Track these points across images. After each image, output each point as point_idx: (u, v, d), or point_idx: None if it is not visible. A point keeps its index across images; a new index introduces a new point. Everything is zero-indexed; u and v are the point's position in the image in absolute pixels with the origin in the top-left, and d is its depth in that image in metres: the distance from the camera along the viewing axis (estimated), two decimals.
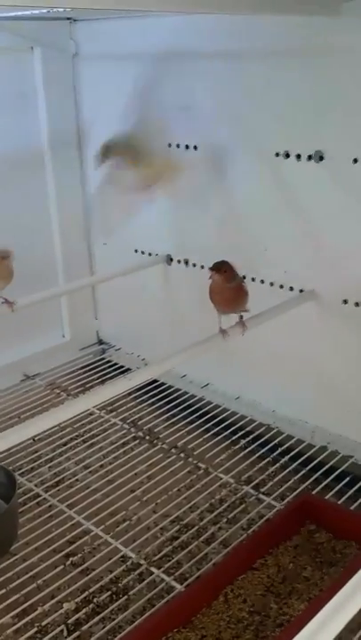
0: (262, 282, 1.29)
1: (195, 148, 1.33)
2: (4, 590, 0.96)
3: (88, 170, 1.57)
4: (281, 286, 1.27)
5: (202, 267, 1.39)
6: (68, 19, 1.46)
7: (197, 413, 1.39)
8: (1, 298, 1.20)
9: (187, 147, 1.34)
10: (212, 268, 1.04)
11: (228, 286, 1.05)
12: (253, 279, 1.30)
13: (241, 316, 1.10)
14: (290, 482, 1.17)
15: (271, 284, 1.28)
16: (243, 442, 1.29)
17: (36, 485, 1.20)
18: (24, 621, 0.92)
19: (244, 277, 1.30)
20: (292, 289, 1.25)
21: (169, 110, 1.35)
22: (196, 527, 1.09)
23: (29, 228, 1.50)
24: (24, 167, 1.48)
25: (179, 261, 1.45)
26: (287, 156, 1.18)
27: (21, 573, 1.00)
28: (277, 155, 1.19)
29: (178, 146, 1.36)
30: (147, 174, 1.26)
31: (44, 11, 1.26)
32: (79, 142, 1.55)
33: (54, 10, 1.26)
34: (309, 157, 1.14)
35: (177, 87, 1.32)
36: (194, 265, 1.42)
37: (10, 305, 1.20)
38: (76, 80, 1.51)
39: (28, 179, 1.50)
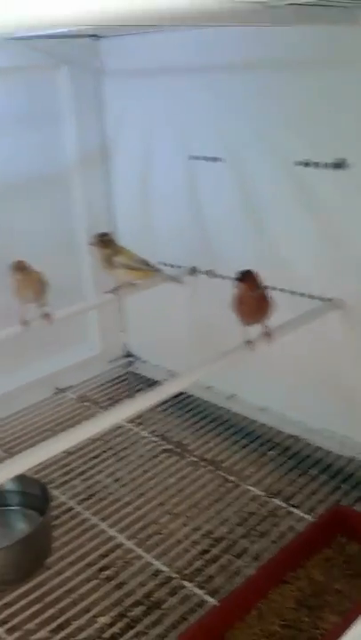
0: (287, 291, 1.29)
1: (218, 159, 1.34)
2: (40, 604, 0.98)
3: (114, 185, 1.59)
4: (306, 295, 1.26)
5: (227, 277, 1.40)
6: (93, 36, 1.48)
7: (224, 425, 1.40)
8: (44, 308, 1.21)
9: (210, 158, 1.36)
10: (236, 278, 1.05)
11: (252, 295, 1.05)
12: (278, 289, 1.30)
13: (266, 327, 1.11)
14: (320, 494, 1.17)
15: (296, 294, 1.28)
16: (271, 453, 1.29)
17: (69, 498, 1.21)
18: (60, 636, 0.94)
19: (267, 287, 1.31)
20: (317, 298, 1.25)
21: (191, 123, 1.37)
22: (227, 540, 1.10)
23: (58, 242, 1.52)
24: (52, 183, 1.51)
25: (204, 273, 1.46)
26: (308, 164, 1.18)
27: (56, 587, 1.01)
28: (298, 163, 1.19)
29: (202, 158, 1.37)
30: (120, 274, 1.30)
31: (71, 29, 1.28)
32: (105, 158, 1.57)
33: (79, 27, 1.28)
34: (331, 165, 1.14)
35: (199, 99, 1.33)
36: (219, 276, 1.43)
37: (48, 318, 1.21)
38: (101, 96, 1.53)
39: (56, 194, 1.53)
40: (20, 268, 1.17)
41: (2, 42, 1.32)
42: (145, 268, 1.30)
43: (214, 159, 1.35)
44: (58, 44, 1.44)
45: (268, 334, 1.10)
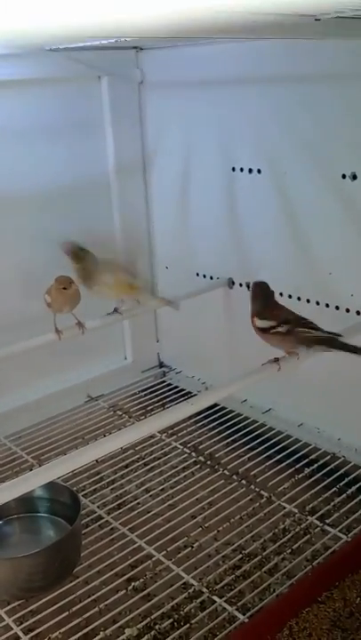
0: (327, 305, 1.27)
1: (258, 171, 1.33)
2: (66, 613, 0.96)
3: (152, 196, 1.59)
4: (347, 310, 1.24)
5: None
6: (135, 47, 1.49)
7: (259, 439, 1.37)
8: (75, 319, 1.23)
9: (250, 170, 1.35)
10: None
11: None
12: (318, 303, 1.28)
13: None
14: (357, 513, 1.13)
15: (337, 308, 1.26)
16: (307, 470, 1.26)
17: (98, 507, 1.20)
18: None
19: (307, 301, 1.29)
20: (358, 313, 1.22)
21: (233, 135, 1.36)
22: (259, 557, 1.07)
23: (95, 252, 1.52)
24: (90, 192, 1.51)
25: (241, 285, 1.44)
26: (354, 177, 1.16)
27: (84, 597, 0.99)
28: (344, 177, 1.18)
29: (242, 170, 1.36)
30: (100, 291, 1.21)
31: (112, 40, 1.29)
32: (144, 168, 1.57)
33: (121, 39, 1.29)
34: None
35: (241, 111, 1.33)
36: None
37: (81, 327, 1.22)
38: (142, 107, 1.54)
39: (95, 203, 1.53)
40: (68, 283, 1.16)
41: (43, 53, 1.33)
42: (131, 283, 1.21)
43: (256, 171, 1.34)
44: (99, 56, 1.45)
45: (295, 352, 1.05)
